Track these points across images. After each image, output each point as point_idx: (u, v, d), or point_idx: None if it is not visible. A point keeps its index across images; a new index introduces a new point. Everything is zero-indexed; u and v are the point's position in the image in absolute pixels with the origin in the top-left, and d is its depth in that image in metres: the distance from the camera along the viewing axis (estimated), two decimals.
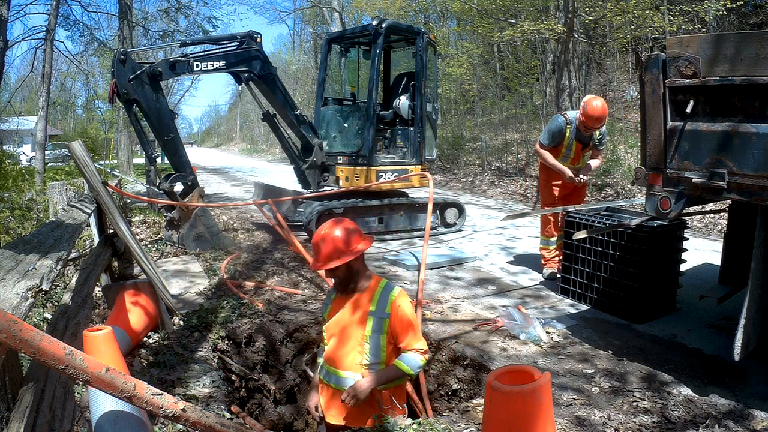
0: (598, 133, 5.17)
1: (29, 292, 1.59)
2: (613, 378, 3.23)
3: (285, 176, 12.72)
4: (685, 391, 3.06)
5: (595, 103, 4.94)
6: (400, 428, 2.37)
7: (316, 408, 2.52)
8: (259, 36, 6.63)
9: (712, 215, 7.98)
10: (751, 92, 2.67)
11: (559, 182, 5.35)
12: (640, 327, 4.08)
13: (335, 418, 2.47)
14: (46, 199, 7.10)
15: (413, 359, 2.39)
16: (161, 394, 1.48)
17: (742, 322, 2.83)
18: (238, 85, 7.41)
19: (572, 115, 5.17)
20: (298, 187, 8.02)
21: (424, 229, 6.81)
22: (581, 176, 5.19)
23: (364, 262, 2.51)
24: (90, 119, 31.77)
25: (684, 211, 3.27)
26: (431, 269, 5.66)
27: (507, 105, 19.71)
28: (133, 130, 9.31)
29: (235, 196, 12.19)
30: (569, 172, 5.16)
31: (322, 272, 2.40)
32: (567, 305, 4.62)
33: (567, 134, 5.20)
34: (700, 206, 5.54)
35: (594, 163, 5.37)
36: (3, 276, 1.66)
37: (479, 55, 19.08)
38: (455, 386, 3.59)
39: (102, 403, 1.94)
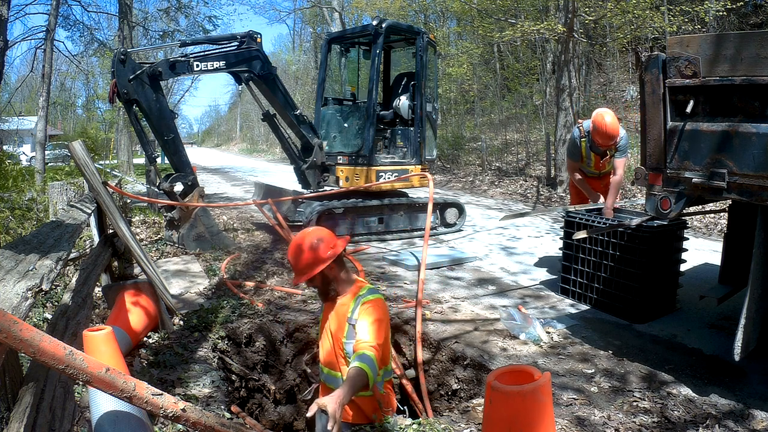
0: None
1: (29, 292, 1.59)
2: (613, 378, 3.23)
3: (285, 176, 12.72)
4: (685, 391, 3.06)
5: (606, 120, 4.63)
6: (400, 428, 2.37)
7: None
8: (259, 36, 6.63)
9: (712, 215, 7.97)
10: (751, 92, 2.67)
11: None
12: (640, 327, 4.08)
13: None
14: (46, 199, 7.10)
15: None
16: (161, 394, 1.48)
17: (742, 322, 2.83)
18: (238, 85, 7.42)
19: (588, 124, 4.97)
20: (298, 187, 8.02)
21: (424, 229, 6.81)
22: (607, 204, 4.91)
23: (344, 268, 2.46)
24: (90, 119, 31.79)
25: (684, 211, 3.27)
26: (431, 269, 5.66)
27: (507, 105, 19.75)
28: (133, 130, 9.32)
29: (235, 196, 12.18)
30: (594, 197, 5.24)
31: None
32: (567, 305, 4.62)
33: (582, 147, 5.11)
34: (700, 206, 5.55)
35: (614, 179, 4.93)
36: (3, 276, 1.66)
37: (479, 55, 19.08)
38: (455, 386, 3.59)
39: (102, 403, 1.93)
